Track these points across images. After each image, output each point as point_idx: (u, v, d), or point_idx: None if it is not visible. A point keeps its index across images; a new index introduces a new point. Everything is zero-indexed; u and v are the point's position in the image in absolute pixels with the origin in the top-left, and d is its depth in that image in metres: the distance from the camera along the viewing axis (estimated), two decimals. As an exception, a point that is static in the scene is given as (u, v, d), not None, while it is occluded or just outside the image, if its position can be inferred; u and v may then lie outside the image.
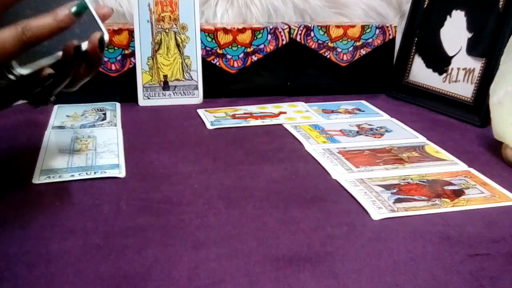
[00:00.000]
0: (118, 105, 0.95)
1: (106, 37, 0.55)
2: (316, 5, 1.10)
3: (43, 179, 0.64)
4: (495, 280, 0.46)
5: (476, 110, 0.89)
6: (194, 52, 0.98)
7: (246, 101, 0.99)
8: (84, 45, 0.53)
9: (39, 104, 0.59)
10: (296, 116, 0.91)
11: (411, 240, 0.53)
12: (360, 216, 0.57)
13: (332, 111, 0.94)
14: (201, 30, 0.98)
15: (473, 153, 0.76)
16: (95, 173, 0.66)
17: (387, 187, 0.64)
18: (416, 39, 1.02)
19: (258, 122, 0.87)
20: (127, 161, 0.69)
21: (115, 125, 0.84)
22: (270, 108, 0.96)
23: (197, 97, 0.99)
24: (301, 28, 1.01)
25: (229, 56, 1.00)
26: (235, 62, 1.01)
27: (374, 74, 1.06)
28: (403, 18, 1.14)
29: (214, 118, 0.89)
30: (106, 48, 0.61)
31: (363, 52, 1.04)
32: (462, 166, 0.70)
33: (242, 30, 1.00)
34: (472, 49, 0.92)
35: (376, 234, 0.54)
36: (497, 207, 0.60)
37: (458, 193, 0.62)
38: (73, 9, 0.49)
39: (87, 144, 0.76)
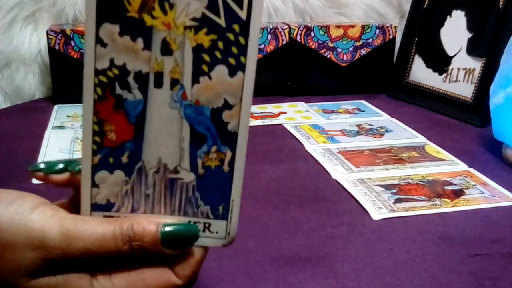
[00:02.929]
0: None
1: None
2: (316, 5, 1.10)
3: (43, 179, 0.64)
4: (495, 280, 0.46)
5: (476, 110, 0.89)
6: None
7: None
8: None
9: None
10: (296, 116, 0.91)
11: (411, 240, 0.53)
12: (360, 216, 0.57)
13: (332, 111, 0.94)
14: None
15: (473, 153, 0.76)
16: (95, 173, 0.65)
17: (387, 187, 0.64)
18: (416, 39, 1.02)
19: (258, 122, 0.87)
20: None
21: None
22: (270, 108, 0.96)
23: (197, 97, 0.99)
24: (301, 28, 1.01)
25: (229, 56, 1.00)
26: (235, 62, 1.00)
27: (374, 74, 1.06)
28: (403, 18, 1.14)
29: (214, 118, 0.89)
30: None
31: (363, 52, 1.04)
32: (462, 166, 0.70)
33: (242, 30, 0.99)
34: (472, 49, 0.92)
35: (376, 234, 0.54)
36: (497, 207, 0.60)
37: (458, 193, 0.62)
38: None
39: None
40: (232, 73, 0.33)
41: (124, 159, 0.35)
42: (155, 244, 0.34)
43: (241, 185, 0.35)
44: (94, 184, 0.35)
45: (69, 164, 0.38)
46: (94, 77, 0.33)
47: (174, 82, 0.34)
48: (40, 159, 0.70)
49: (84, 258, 0.34)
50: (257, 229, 0.54)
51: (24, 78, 1.00)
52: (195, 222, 0.36)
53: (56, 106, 0.94)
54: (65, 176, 0.38)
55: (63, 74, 0.94)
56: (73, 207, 0.39)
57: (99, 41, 0.33)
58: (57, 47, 0.92)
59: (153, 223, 0.34)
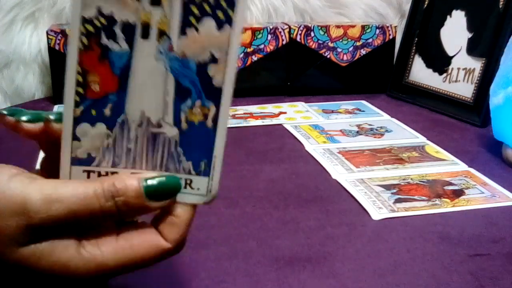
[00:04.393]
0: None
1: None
2: (316, 5, 1.10)
3: (43, 179, 0.64)
4: (495, 280, 0.46)
5: (476, 110, 0.89)
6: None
7: (246, 101, 0.99)
8: None
9: None
10: (296, 116, 0.91)
11: (411, 240, 0.53)
12: (360, 216, 0.57)
13: (332, 111, 0.94)
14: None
15: (473, 153, 0.76)
16: (95, 173, 0.65)
17: (387, 187, 0.64)
18: (416, 39, 1.02)
19: (258, 122, 0.87)
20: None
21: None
22: (270, 108, 0.96)
23: (197, 97, 0.98)
24: (301, 28, 1.01)
25: (229, 56, 1.00)
26: (235, 62, 1.00)
27: (374, 74, 1.06)
28: (403, 18, 1.14)
29: (214, 118, 0.89)
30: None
31: (363, 52, 1.04)
32: (462, 166, 0.70)
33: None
34: (472, 49, 0.92)
35: (376, 234, 0.54)
36: (497, 207, 0.60)
37: (458, 193, 0.62)
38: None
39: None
40: (219, 27, 0.33)
41: (107, 111, 0.34)
42: (138, 197, 0.34)
43: (224, 142, 0.35)
44: (75, 137, 0.35)
45: (38, 115, 0.37)
46: (80, 25, 0.33)
47: (161, 34, 0.33)
48: (39, 160, 0.70)
49: (69, 221, 0.33)
50: (257, 229, 0.54)
51: (24, 78, 1.00)
52: None
53: (56, 106, 0.94)
54: (38, 126, 0.37)
55: (63, 74, 0.94)
56: (46, 174, 0.38)
57: None
58: (57, 47, 0.92)
59: (135, 178, 0.34)
